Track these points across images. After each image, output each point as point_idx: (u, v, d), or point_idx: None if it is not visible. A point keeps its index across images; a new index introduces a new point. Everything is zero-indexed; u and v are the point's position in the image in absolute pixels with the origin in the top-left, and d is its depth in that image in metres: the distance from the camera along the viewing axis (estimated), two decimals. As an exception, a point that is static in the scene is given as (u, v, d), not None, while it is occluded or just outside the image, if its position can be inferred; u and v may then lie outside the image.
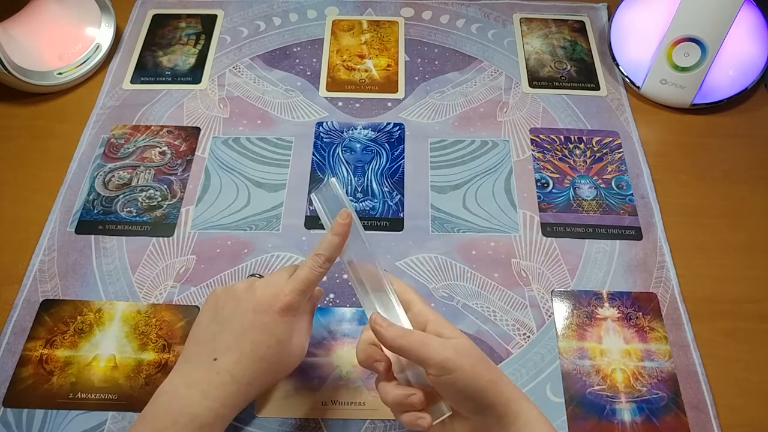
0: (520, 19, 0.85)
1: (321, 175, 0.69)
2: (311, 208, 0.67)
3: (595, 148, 0.72)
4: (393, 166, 0.70)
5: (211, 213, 0.66)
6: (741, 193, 0.69)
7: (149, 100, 0.76)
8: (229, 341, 0.45)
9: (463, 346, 0.42)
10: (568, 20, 0.85)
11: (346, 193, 0.68)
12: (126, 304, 0.60)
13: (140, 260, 0.63)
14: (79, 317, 0.59)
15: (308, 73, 0.79)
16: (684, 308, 0.60)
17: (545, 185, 0.69)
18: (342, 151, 0.72)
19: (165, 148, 0.71)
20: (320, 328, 0.59)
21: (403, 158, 0.71)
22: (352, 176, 0.70)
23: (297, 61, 0.80)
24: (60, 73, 0.75)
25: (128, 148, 0.71)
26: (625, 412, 0.54)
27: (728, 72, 0.73)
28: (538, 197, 0.68)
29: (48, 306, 0.60)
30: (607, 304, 0.60)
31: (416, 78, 0.78)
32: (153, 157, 0.71)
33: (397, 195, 0.68)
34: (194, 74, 0.79)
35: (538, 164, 0.71)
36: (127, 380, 0.55)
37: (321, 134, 0.73)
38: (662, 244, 0.64)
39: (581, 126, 0.74)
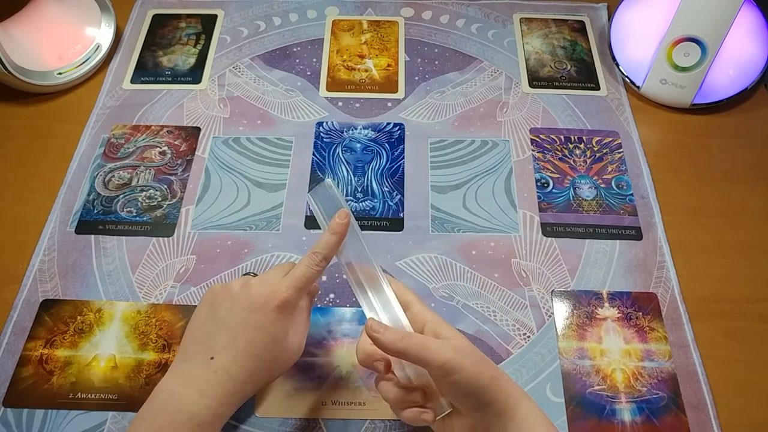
0: (520, 19, 0.85)
1: (321, 175, 0.69)
2: (311, 208, 0.67)
3: (595, 148, 0.72)
4: (393, 166, 0.70)
5: (211, 213, 0.66)
6: (741, 193, 0.69)
7: (149, 100, 0.76)
8: (225, 340, 0.45)
9: (462, 346, 0.43)
10: (568, 20, 0.85)
11: (346, 193, 0.68)
12: (126, 304, 0.60)
13: (140, 260, 0.63)
14: (79, 317, 0.59)
15: (308, 73, 0.79)
16: (684, 308, 0.60)
17: (545, 185, 0.69)
18: (342, 151, 0.72)
19: (165, 148, 0.71)
20: (320, 328, 0.59)
21: (403, 158, 0.71)
22: (352, 176, 0.70)
23: (297, 61, 0.80)
24: (60, 73, 0.75)
25: (128, 148, 0.71)
26: (625, 412, 0.54)
27: (728, 72, 0.73)
28: (538, 197, 0.68)
29: (48, 306, 0.60)
30: (607, 304, 0.60)
31: (416, 78, 0.78)
32: (153, 157, 0.71)
33: (397, 195, 0.68)
34: (194, 74, 0.79)
35: (538, 164, 0.71)
36: (127, 380, 0.55)
37: (321, 134, 0.73)
38: (662, 244, 0.64)
39: (581, 126, 0.74)
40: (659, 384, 0.56)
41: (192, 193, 0.68)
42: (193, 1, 0.87)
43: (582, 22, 0.85)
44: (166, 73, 0.79)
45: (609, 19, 0.82)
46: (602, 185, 0.69)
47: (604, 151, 0.72)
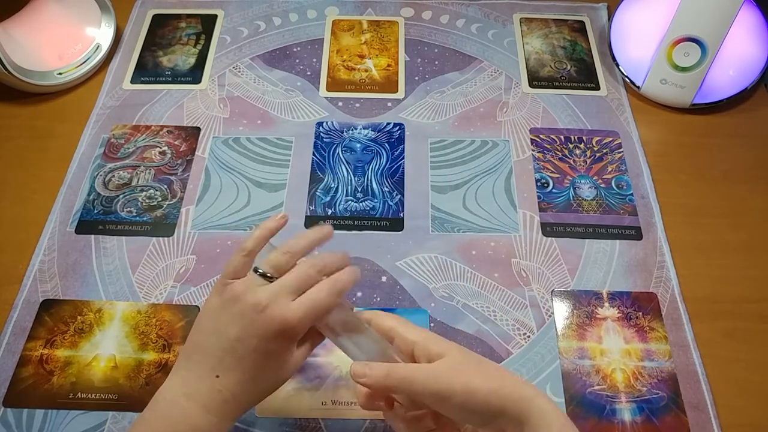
0: (520, 19, 0.85)
1: (321, 175, 0.69)
2: (311, 208, 0.67)
3: (595, 148, 0.72)
4: (393, 166, 0.70)
5: (211, 213, 0.66)
6: (741, 193, 0.69)
7: (149, 100, 0.76)
8: (233, 362, 0.43)
9: (451, 368, 0.41)
10: (568, 20, 0.85)
11: (346, 193, 0.68)
12: (126, 304, 0.60)
13: (140, 260, 0.63)
14: (79, 317, 0.59)
15: (308, 73, 0.79)
16: (684, 308, 0.60)
17: (545, 185, 0.69)
18: (342, 151, 0.72)
19: (165, 148, 0.71)
20: (320, 328, 0.59)
21: (403, 158, 0.71)
22: (352, 176, 0.70)
23: (297, 61, 0.80)
24: (60, 73, 0.75)
25: (128, 148, 0.71)
26: (625, 412, 0.54)
27: (728, 72, 0.73)
28: (538, 197, 0.68)
29: (48, 306, 0.60)
30: (607, 304, 0.60)
31: (416, 78, 0.78)
32: (153, 157, 0.71)
33: (397, 195, 0.68)
34: (194, 74, 0.79)
35: (538, 164, 0.71)
36: (127, 380, 0.55)
37: (321, 134, 0.73)
38: (662, 244, 0.64)
39: (581, 126, 0.74)
40: (659, 384, 0.56)
41: (192, 193, 0.68)
42: (193, 1, 0.87)
43: (582, 22, 0.85)
44: (166, 73, 0.79)
45: (609, 19, 0.82)
46: (602, 185, 0.69)
47: (604, 151, 0.72)
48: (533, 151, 0.72)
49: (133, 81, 0.78)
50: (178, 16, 0.85)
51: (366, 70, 0.79)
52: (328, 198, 0.68)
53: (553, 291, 0.61)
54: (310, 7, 0.86)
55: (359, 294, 0.61)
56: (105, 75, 0.79)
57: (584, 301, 0.61)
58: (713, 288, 0.62)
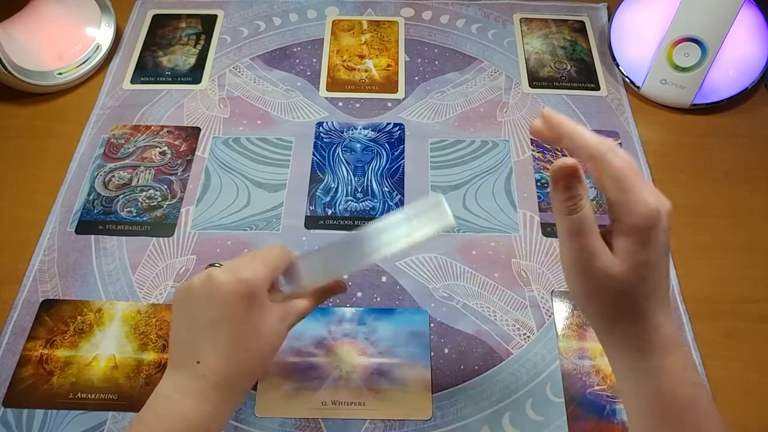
0: (520, 19, 0.85)
1: (321, 175, 0.69)
2: (311, 208, 0.67)
3: (595, 148, 0.72)
4: (393, 166, 0.70)
5: (211, 213, 0.66)
6: (741, 193, 0.69)
7: (149, 100, 0.76)
8: (206, 342, 0.43)
9: (611, 261, 0.38)
10: (568, 20, 0.85)
11: (346, 193, 0.68)
12: (126, 304, 0.60)
13: (140, 260, 0.63)
14: (79, 317, 0.59)
15: (308, 73, 0.79)
16: (684, 308, 0.60)
17: (545, 185, 0.69)
18: (342, 151, 0.72)
19: (165, 148, 0.71)
20: (320, 328, 0.59)
21: (403, 158, 0.71)
22: (352, 176, 0.70)
23: (297, 61, 0.80)
24: (60, 73, 0.75)
25: (128, 148, 0.71)
26: (625, 412, 0.54)
27: (728, 72, 0.73)
28: (538, 197, 0.68)
29: (48, 306, 0.60)
30: (607, 304, 0.60)
31: (416, 78, 0.78)
32: (153, 157, 0.71)
33: (397, 195, 0.68)
34: (194, 74, 0.79)
35: (538, 164, 0.71)
36: (127, 380, 0.55)
37: (321, 134, 0.73)
38: (662, 244, 0.64)
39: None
40: (659, 384, 0.56)
41: (192, 193, 0.68)
42: (193, 1, 0.87)
43: (582, 22, 0.85)
44: (166, 73, 0.79)
45: (609, 19, 0.82)
46: (602, 185, 0.69)
47: (604, 151, 0.72)
48: (533, 151, 0.72)
49: (133, 81, 0.78)
50: (178, 16, 0.85)
51: (366, 70, 0.79)
52: (328, 198, 0.68)
53: (553, 291, 0.61)
54: (310, 7, 0.86)
55: (359, 294, 0.61)
56: (105, 75, 0.79)
57: (584, 301, 0.61)
58: (713, 288, 0.62)
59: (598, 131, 0.73)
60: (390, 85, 0.78)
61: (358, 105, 0.76)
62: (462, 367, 0.57)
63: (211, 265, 0.45)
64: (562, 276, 0.62)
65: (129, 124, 0.74)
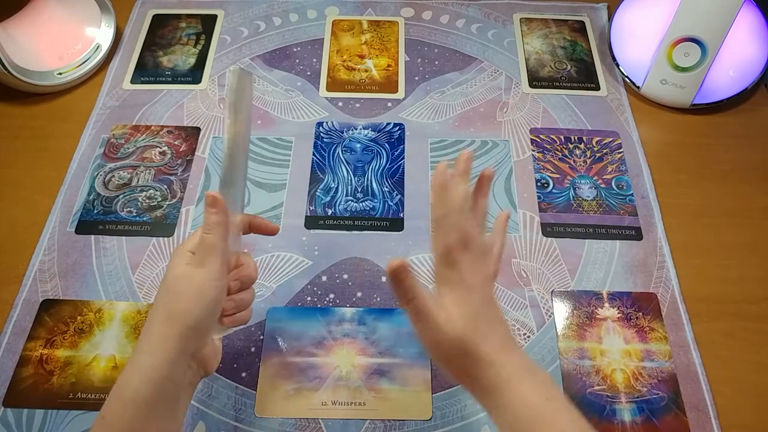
0: (520, 19, 0.85)
1: (321, 175, 0.69)
2: (311, 208, 0.67)
3: (595, 148, 0.72)
4: (393, 166, 0.70)
5: (211, 213, 0.66)
6: (741, 193, 0.69)
7: (149, 100, 0.76)
8: (156, 299, 0.45)
9: (447, 318, 0.41)
10: (568, 20, 0.85)
11: (346, 193, 0.68)
12: (126, 304, 0.60)
13: (140, 260, 0.63)
14: (79, 317, 0.59)
15: (308, 73, 0.79)
16: (684, 308, 0.60)
17: (545, 185, 0.69)
18: (342, 151, 0.72)
19: (165, 148, 0.71)
20: (320, 328, 0.59)
21: (403, 158, 0.71)
22: (352, 176, 0.70)
23: (297, 61, 0.80)
24: (60, 73, 0.75)
25: (128, 148, 0.71)
26: (625, 412, 0.54)
27: (728, 72, 0.73)
28: (538, 197, 0.68)
29: (48, 306, 0.60)
30: (607, 305, 0.60)
31: (416, 78, 0.78)
32: (153, 157, 0.71)
33: (397, 195, 0.68)
34: (194, 74, 0.79)
35: (538, 164, 0.71)
36: (127, 380, 0.55)
37: (321, 134, 0.73)
38: (662, 244, 0.64)
39: (581, 126, 0.74)
40: (659, 384, 0.56)
41: (192, 193, 0.68)
42: (193, 1, 0.87)
43: (582, 22, 0.85)
44: (166, 73, 0.79)
45: (609, 19, 0.82)
46: (602, 185, 0.69)
47: (604, 151, 0.72)
48: (533, 151, 0.72)
49: (133, 81, 0.78)
50: (178, 16, 0.85)
51: (366, 70, 0.79)
52: (328, 198, 0.68)
53: (553, 291, 0.61)
54: (310, 7, 0.86)
55: (359, 294, 0.61)
56: (105, 75, 0.79)
57: (584, 302, 0.61)
58: (713, 288, 0.62)
59: (599, 131, 0.74)
60: (390, 85, 0.78)
61: (358, 105, 0.76)
62: (462, 367, 0.57)
63: None
64: (562, 276, 0.62)
65: (129, 124, 0.74)
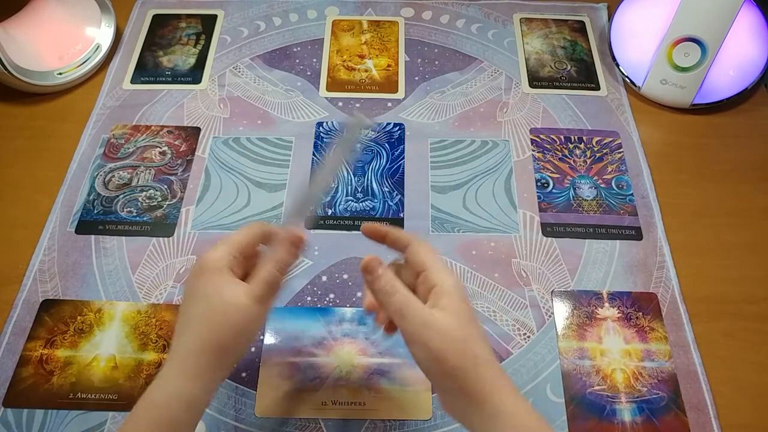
0: (520, 19, 0.85)
1: (321, 175, 0.69)
2: (311, 208, 0.67)
3: (595, 148, 0.72)
4: (393, 166, 0.70)
5: (211, 213, 0.66)
6: (741, 193, 0.69)
7: (149, 100, 0.76)
8: (182, 320, 0.44)
9: (439, 324, 0.41)
10: (568, 20, 0.85)
11: (347, 193, 0.68)
12: (126, 304, 0.60)
13: (140, 260, 0.63)
14: (79, 317, 0.59)
15: (308, 73, 0.79)
16: (684, 308, 0.60)
17: (545, 185, 0.69)
18: (342, 151, 0.72)
19: (165, 148, 0.71)
20: (320, 327, 0.59)
21: (403, 158, 0.71)
22: (352, 176, 0.70)
23: (297, 61, 0.80)
24: (60, 73, 0.75)
25: (128, 148, 0.71)
26: (625, 412, 0.54)
27: (728, 72, 0.73)
28: (538, 197, 0.68)
29: (48, 306, 0.60)
30: (607, 304, 0.60)
31: (416, 78, 0.78)
32: (153, 157, 0.71)
33: (397, 195, 0.68)
34: (194, 74, 0.79)
35: (538, 164, 0.71)
36: (127, 380, 0.55)
37: (321, 134, 0.73)
38: (662, 244, 0.64)
39: (581, 126, 0.74)
40: (659, 384, 0.56)
41: (192, 193, 0.68)
42: (193, 1, 0.87)
43: (582, 22, 0.85)
44: (166, 73, 0.79)
45: (609, 19, 0.82)
46: (602, 185, 0.69)
47: (604, 151, 0.72)
48: (533, 151, 0.72)
49: (133, 81, 0.78)
50: (178, 16, 0.85)
51: (366, 71, 0.79)
52: (328, 198, 0.68)
53: (553, 291, 0.61)
54: (310, 7, 0.86)
55: (359, 294, 0.61)
56: (105, 75, 0.79)
57: (584, 302, 0.61)
58: (713, 288, 0.62)
59: (599, 131, 0.74)
60: (390, 85, 0.78)
61: (358, 105, 0.76)
62: (462, 367, 0.57)
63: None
64: (562, 276, 0.62)
65: (129, 124, 0.74)
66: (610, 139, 0.73)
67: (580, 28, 0.84)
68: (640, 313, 0.60)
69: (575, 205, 0.67)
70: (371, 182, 0.69)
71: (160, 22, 0.84)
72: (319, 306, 0.60)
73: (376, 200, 0.68)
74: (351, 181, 0.69)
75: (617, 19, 0.79)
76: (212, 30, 0.83)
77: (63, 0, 0.78)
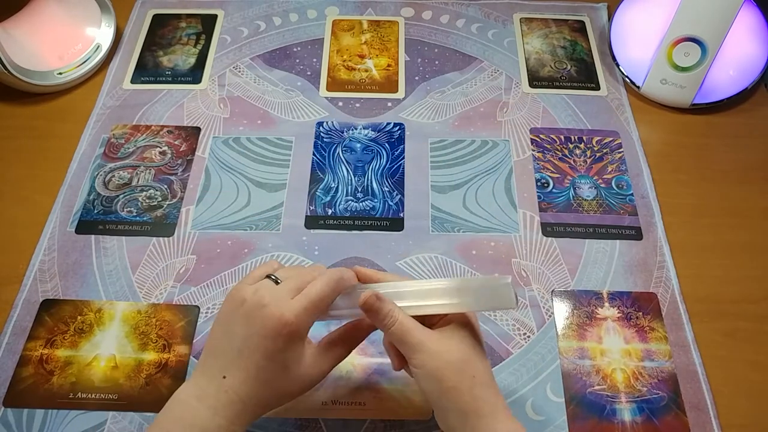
0: (520, 19, 0.85)
1: (321, 175, 0.69)
2: (311, 208, 0.67)
3: (595, 148, 0.72)
4: (393, 166, 0.70)
5: (211, 213, 0.66)
6: (741, 193, 0.69)
7: (149, 100, 0.76)
8: (238, 361, 0.44)
9: (438, 346, 0.44)
10: (568, 20, 0.85)
11: (346, 193, 0.68)
12: (126, 304, 0.60)
13: (140, 260, 0.63)
14: (79, 317, 0.59)
15: (308, 73, 0.79)
16: (684, 308, 0.60)
17: (545, 185, 0.69)
18: (342, 151, 0.72)
19: (165, 148, 0.71)
20: (320, 327, 0.59)
21: (403, 158, 0.71)
22: (352, 176, 0.70)
23: (297, 61, 0.80)
24: (60, 73, 0.75)
25: (128, 148, 0.71)
26: (626, 412, 0.54)
27: (728, 72, 0.73)
28: (538, 197, 0.68)
29: (48, 306, 0.60)
30: (607, 304, 0.60)
31: (416, 78, 0.78)
32: (153, 157, 0.71)
33: (397, 195, 0.68)
34: (194, 74, 0.79)
35: (538, 164, 0.71)
36: (127, 380, 0.55)
37: (321, 134, 0.73)
38: (662, 244, 0.64)
39: (581, 126, 0.74)
40: (659, 384, 0.56)
41: (192, 193, 0.68)
42: (193, 1, 0.87)
43: (582, 22, 0.85)
44: (166, 73, 0.79)
45: (609, 19, 0.82)
46: (602, 185, 0.69)
47: (604, 151, 0.72)
48: (533, 151, 0.72)
49: (133, 81, 0.78)
50: (178, 16, 0.85)
51: (366, 70, 0.79)
52: (328, 198, 0.68)
53: (553, 291, 0.61)
54: (310, 7, 0.86)
55: (359, 294, 0.61)
56: (105, 75, 0.79)
57: (584, 301, 0.61)
58: (713, 288, 0.62)
59: (599, 131, 0.74)
60: (390, 85, 0.78)
61: (358, 105, 0.76)
62: (462, 367, 0.57)
63: (268, 276, 0.46)
64: (562, 276, 0.62)
65: (129, 124, 0.74)
66: (610, 139, 0.73)
67: (580, 27, 0.84)
68: (640, 313, 0.60)
69: (575, 204, 0.67)
70: (371, 182, 0.69)
71: (160, 22, 0.84)
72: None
73: (376, 200, 0.68)
74: (351, 180, 0.69)
75: (617, 19, 0.79)
76: (212, 30, 0.83)
77: (63, 0, 0.78)
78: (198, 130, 0.73)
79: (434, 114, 0.75)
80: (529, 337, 0.59)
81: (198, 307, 0.60)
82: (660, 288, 0.62)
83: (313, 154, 0.71)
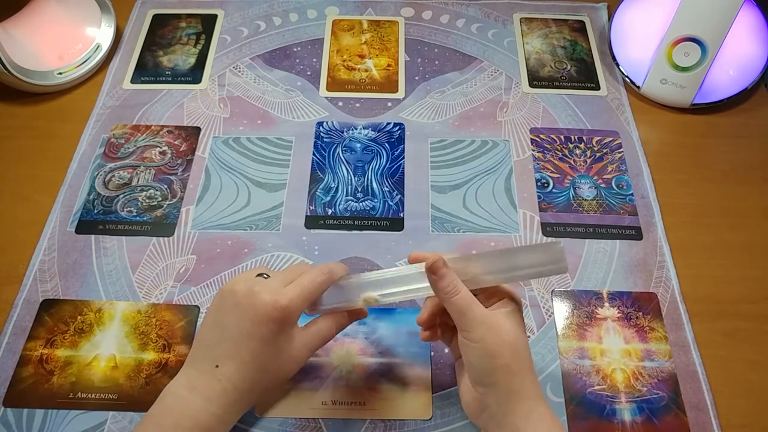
0: (520, 18, 0.85)
1: (321, 175, 0.69)
2: (311, 208, 0.67)
3: (595, 148, 0.72)
4: (393, 166, 0.70)
5: (211, 213, 0.66)
6: (741, 193, 0.69)
7: (149, 100, 0.76)
8: (230, 349, 0.45)
9: (499, 324, 0.44)
10: (568, 20, 0.85)
11: (346, 193, 0.68)
12: (126, 303, 0.60)
13: (140, 260, 0.63)
14: (79, 317, 0.59)
15: (308, 73, 0.79)
16: (684, 308, 0.60)
17: (545, 185, 0.69)
18: (342, 150, 0.72)
19: (165, 148, 0.71)
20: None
21: (403, 158, 0.71)
22: (352, 176, 0.70)
23: (297, 61, 0.80)
24: (60, 73, 0.75)
25: (128, 148, 0.71)
26: (625, 412, 0.54)
27: (728, 72, 0.73)
28: (538, 197, 0.68)
29: (48, 306, 0.60)
30: (607, 304, 0.60)
31: (416, 78, 0.78)
32: (153, 156, 0.71)
33: (397, 195, 0.68)
34: (194, 74, 0.79)
35: (538, 164, 0.71)
36: (127, 380, 0.55)
37: (321, 134, 0.73)
38: (662, 244, 0.64)
39: (581, 126, 0.74)
40: (659, 384, 0.56)
41: (192, 193, 0.68)
42: (193, 1, 0.87)
43: (582, 22, 0.85)
44: (166, 73, 0.79)
45: (609, 19, 0.82)
46: (602, 185, 0.69)
47: (604, 151, 0.72)
48: (533, 151, 0.72)
49: (133, 81, 0.78)
50: (178, 16, 0.85)
51: (366, 70, 0.79)
52: (328, 198, 0.68)
53: (553, 291, 0.61)
54: (310, 7, 0.86)
55: (359, 294, 0.61)
56: (105, 75, 0.79)
57: (584, 301, 0.61)
58: (713, 288, 0.62)
59: (599, 131, 0.74)
60: (390, 84, 0.78)
61: (358, 105, 0.76)
62: (462, 367, 0.57)
63: (260, 275, 0.48)
64: (562, 276, 0.62)
65: (129, 124, 0.74)
66: (610, 139, 0.73)
67: (580, 27, 0.84)
68: (640, 313, 0.60)
69: (575, 204, 0.67)
70: (371, 182, 0.69)
71: (160, 21, 0.84)
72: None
73: (376, 200, 0.68)
74: (351, 180, 0.69)
75: (617, 18, 0.79)
76: (212, 30, 0.83)
77: (63, 0, 0.78)
78: (198, 130, 0.73)
79: (434, 114, 0.75)
80: (529, 337, 0.59)
81: (198, 307, 0.60)
82: (660, 288, 0.62)
83: (313, 154, 0.71)
